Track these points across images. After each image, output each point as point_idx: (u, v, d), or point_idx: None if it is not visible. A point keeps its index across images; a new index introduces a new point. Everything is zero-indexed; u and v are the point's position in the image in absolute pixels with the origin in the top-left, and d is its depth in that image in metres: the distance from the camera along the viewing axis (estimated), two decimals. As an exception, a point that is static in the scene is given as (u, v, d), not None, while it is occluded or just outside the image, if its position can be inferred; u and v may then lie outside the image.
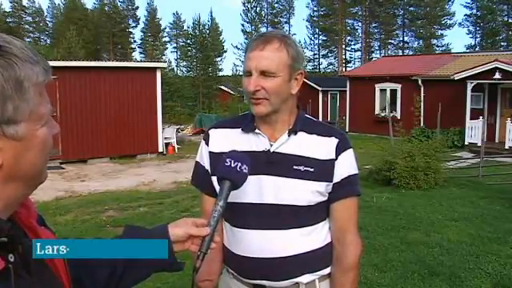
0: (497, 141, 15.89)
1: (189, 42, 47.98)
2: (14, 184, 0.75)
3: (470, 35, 49.75)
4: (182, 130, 22.04)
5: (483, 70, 15.30)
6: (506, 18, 46.08)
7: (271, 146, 1.48)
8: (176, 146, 15.80)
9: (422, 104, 18.20)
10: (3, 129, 0.71)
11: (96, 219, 6.97)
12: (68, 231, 5.98)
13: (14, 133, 0.72)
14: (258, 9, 51.33)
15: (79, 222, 6.84)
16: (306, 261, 1.48)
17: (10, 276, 0.70)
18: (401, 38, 51.01)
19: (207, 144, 1.57)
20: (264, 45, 1.41)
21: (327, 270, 1.53)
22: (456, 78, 16.07)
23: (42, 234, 0.83)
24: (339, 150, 1.49)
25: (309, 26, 52.82)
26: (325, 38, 52.14)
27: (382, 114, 19.34)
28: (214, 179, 1.47)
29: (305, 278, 1.49)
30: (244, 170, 1.18)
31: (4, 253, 0.71)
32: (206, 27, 47.26)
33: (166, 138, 15.20)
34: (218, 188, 1.46)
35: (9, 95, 0.70)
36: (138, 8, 53.50)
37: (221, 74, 46.64)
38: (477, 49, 43.48)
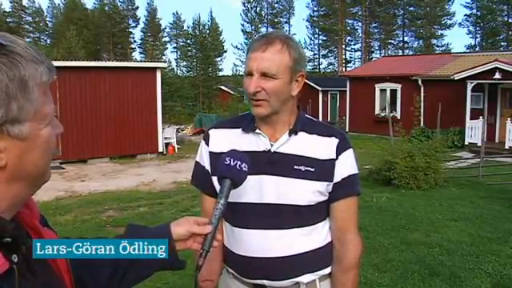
0: (497, 141, 15.90)
1: (189, 42, 48.01)
2: (18, 184, 0.74)
3: (470, 35, 49.80)
4: (182, 130, 22.03)
5: (483, 70, 15.30)
6: (506, 18, 46.07)
7: (272, 146, 1.48)
8: (176, 146, 15.80)
9: (421, 104, 18.21)
10: (8, 128, 0.70)
11: (96, 219, 6.97)
12: (68, 231, 5.97)
13: (19, 133, 0.71)
14: (258, 9, 51.37)
15: (79, 222, 6.84)
16: (307, 260, 1.48)
17: (13, 276, 0.70)
18: (401, 38, 51.03)
19: (207, 144, 1.57)
20: (266, 46, 1.40)
21: (328, 270, 1.54)
22: (456, 78, 16.07)
23: (45, 235, 0.83)
24: (339, 149, 1.49)
25: (309, 26, 52.87)
26: (325, 38, 52.14)
27: (382, 114, 19.35)
28: (215, 179, 1.47)
29: (305, 278, 1.49)
30: (244, 169, 1.18)
31: (8, 253, 0.71)
32: (206, 27, 47.30)
33: (165, 138, 15.20)
34: (218, 187, 1.47)
35: (13, 95, 0.70)
36: (137, 8, 53.49)
37: (221, 74, 46.69)
38: (477, 49, 43.48)
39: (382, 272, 4.47)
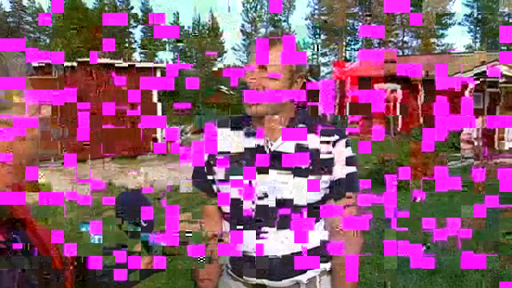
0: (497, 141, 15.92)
1: (189, 42, 47.98)
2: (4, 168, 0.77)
3: (470, 35, 49.78)
4: (186, 133, 21.74)
5: (483, 70, 15.32)
6: (506, 19, 46.02)
7: (269, 145, 1.49)
8: (175, 146, 15.80)
9: (421, 104, 18.22)
10: None
11: (95, 220, 6.97)
12: (67, 231, 5.97)
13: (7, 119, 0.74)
14: (259, 7, 51.33)
15: (79, 221, 6.84)
16: (307, 258, 1.48)
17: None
18: (401, 38, 50.97)
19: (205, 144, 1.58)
20: (267, 46, 1.41)
21: (328, 266, 1.54)
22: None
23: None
24: (338, 148, 1.49)
25: (309, 26, 52.81)
26: (325, 37, 52.09)
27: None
28: (212, 179, 1.52)
29: (305, 276, 1.50)
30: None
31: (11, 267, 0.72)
32: (206, 27, 47.27)
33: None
34: (217, 188, 1.48)
35: None
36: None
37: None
38: (477, 49, 43.45)
39: (382, 272, 4.47)
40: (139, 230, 1.06)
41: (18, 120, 0.76)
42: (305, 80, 1.51)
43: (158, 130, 14.63)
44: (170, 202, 8.13)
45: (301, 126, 1.52)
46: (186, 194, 8.55)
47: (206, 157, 1.57)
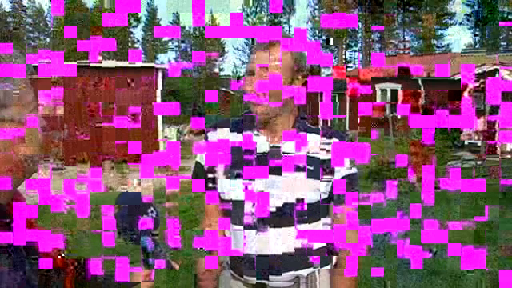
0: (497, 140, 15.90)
1: (189, 42, 48.05)
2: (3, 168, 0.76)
3: (471, 35, 49.81)
4: (184, 135, 21.61)
5: (484, 70, 15.33)
6: (506, 15, 46.01)
7: (271, 146, 1.49)
8: (175, 147, 15.78)
9: (421, 104, 18.21)
10: None
11: (95, 220, 6.96)
12: (67, 232, 5.98)
13: (7, 117, 0.75)
14: (258, 9, 51.36)
15: (78, 224, 6.83)
16: (307, 256, 1.50)
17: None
18: (401, 38, 50.99)
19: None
20: (268, 46, 1.42)
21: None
22: (456, 78, 16.08)
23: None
24: (339, 149, 1.50)
25: (309, 27, 52.80)
26: (325, 39, 52.12)
27: (383, 115, 19.36)
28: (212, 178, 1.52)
29: (305, 271, 1.51)
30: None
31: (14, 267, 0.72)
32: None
33: (165, 137, 15.22)
34: (218, 188, 1.48)
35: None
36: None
37: (222, 73, 46.75)
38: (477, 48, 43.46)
39: (383, 271, 4.47)
40: (139, 235, 1.05)
41: (31, 118, 0.75)
42: (306, 79, 1.51)
43: (159, 135, 14.66)
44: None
45: (302, 128, 1.52)
46: (186, 194, 8.54)
47: (205, 159, 1.57)
